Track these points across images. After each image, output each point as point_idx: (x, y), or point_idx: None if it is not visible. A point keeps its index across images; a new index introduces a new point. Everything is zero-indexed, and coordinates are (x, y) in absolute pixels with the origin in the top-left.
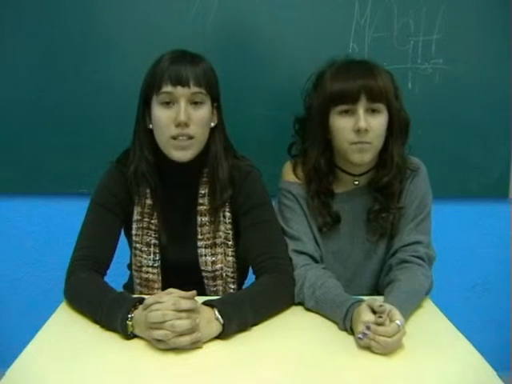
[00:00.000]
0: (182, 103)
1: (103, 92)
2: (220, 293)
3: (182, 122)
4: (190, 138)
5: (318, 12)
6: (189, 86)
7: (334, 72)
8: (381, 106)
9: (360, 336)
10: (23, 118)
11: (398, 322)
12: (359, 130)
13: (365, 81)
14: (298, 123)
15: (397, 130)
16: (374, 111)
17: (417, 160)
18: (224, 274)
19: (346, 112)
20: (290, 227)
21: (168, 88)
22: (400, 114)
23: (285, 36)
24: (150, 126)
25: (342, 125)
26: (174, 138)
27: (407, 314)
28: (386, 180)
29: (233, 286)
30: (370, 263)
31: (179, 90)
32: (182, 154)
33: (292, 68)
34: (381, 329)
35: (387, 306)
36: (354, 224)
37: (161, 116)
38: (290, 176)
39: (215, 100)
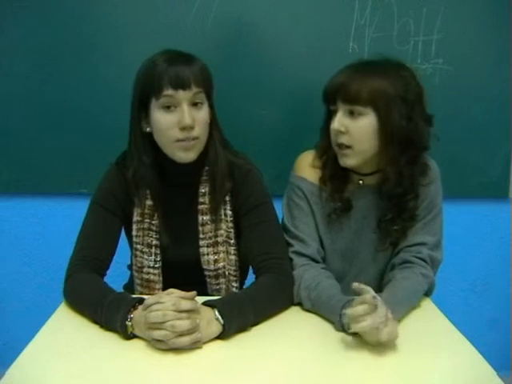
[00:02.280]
0: (185, 106)
1: (103, 92)
2: (223, 291)
3: (187, 126)
4: (195, 138)
5: (318, 12)
6: (190, 88)
7: (335, 72)
8: (361, 109)
9: None
10: (23, 118)
11: (370, 295)
12: (333, 131)
13: (344, 81)
14: None
15: (387, 137)
16: (352, 113)
17: (434, 169)
18: (227, 273)
19: (334, 113)
20: (295, 227)
21: (169, 91)
22: (394, 121)
23: (285, 36)
24: (148, 129)
25: (330, 125)
26: (179, 140)
27: (401, 313)
28: (388, 188)
29: (235, 284)
30: (376, 263)
31: (180, 93)
32: (186, 154)
33: (292, 68)
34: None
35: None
36: (363, 224)
37: (163, 120)
38: (302, 170)
39: (210, 97)
